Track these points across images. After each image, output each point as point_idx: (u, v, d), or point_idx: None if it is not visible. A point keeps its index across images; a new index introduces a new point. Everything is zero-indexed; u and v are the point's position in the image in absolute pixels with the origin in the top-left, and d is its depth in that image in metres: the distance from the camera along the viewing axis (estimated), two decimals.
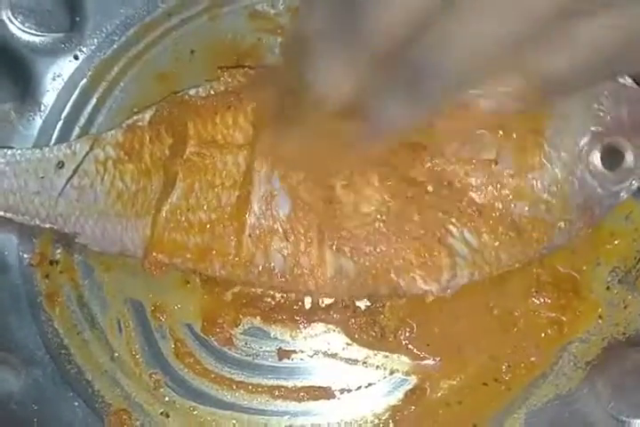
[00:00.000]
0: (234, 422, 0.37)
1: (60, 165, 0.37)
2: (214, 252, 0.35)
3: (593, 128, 0.33)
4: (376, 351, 0.37)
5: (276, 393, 0.37)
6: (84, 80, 0.40)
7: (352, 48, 0.25)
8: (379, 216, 0.34)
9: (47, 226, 0.36)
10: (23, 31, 0.39)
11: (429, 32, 0.24)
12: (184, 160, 0.36)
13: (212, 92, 0.37)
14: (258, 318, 0.38)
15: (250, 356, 0.38)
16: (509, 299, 0.37)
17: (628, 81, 0.33)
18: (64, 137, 0.39)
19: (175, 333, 0.38)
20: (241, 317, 0.38)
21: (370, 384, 0.37)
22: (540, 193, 0.34)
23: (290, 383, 0.37)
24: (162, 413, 0.37)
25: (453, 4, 0.24)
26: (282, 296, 0.37)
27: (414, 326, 0.37)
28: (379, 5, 0.24)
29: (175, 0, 0.39)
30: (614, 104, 0.33)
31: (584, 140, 0.34)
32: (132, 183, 0.36)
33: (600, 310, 0.37)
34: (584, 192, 0.34)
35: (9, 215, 0.37)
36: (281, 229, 0.35)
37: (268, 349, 0.38)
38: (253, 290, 0.37)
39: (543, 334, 0.37)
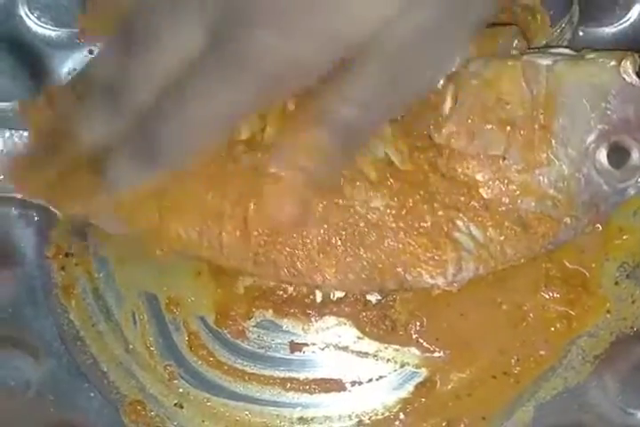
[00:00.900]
0: (246, 413, 0.38)
1: None
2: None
3: (600, 126, 0.33)
4: (387, 345, 0.38)
5: (288, 385, 0.38)
6: None
7: (113, 99, 0.27)
8: (387, 211, 0.34)
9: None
10: (39, 26, 0.39)
11: (163, 106, 0.26)
12: None
13: None
14: (270, 311, 0.38)
15: (262, 348, 0.38)
16: (519, 293, 0.37)
17: (636, 80, 0.33)
18: None
19: (189, 325, 0.38)
20: (253, 310, 0.38)
21: (380, 377, 0.38)
22: (546, 189, 0.34)
23: (301, 376, 0.38)
24: (176, 404, 0.38)
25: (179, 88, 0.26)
26: (294, 289, 0.38)
27: (424, 319, 0.37)
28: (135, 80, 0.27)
29: None
30: (621, 103, 0.33)
31: (591, 138, 0.34)
32: None
33: (608, 304, 0.37)
34: (590, 189, 0.34)
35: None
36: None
37: (280, 341, 0.38)
38: (266, 283, 0.38)
39: (552, 329, 0.37)
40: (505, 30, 0.36)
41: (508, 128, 0.34)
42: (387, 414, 0.38)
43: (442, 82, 0.34)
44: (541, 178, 0.34)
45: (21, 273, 0.39)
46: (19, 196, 0.36)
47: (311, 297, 0.38)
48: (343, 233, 0.34)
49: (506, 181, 0.34)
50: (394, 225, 0.34)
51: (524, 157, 0.34)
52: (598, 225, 0.36)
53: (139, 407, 0.38)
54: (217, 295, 0.38)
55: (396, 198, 0.34)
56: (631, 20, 0.39)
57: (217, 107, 0.26)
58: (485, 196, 0.34)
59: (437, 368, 0.37)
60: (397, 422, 0.37)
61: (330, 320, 0.38)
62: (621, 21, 0.39)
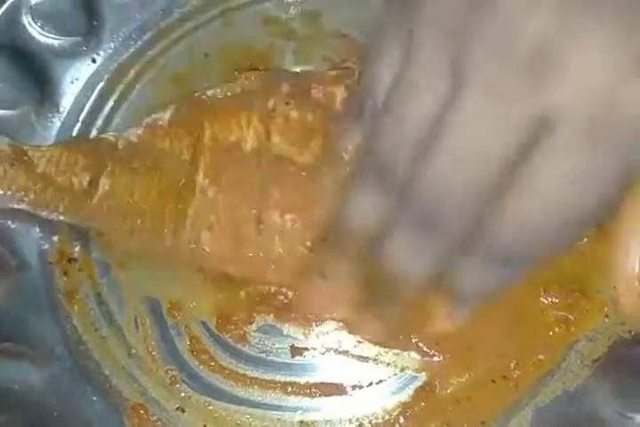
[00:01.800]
0: (248, 416, 0.38)
1: None
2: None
3: None
4: (387, 349, 0.38)
5: (289, 389, 0.38)
6: (102, 83, 0.41)
7: (431, 234, 0.25)
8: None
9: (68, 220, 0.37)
10: (42, 35, 0.39)
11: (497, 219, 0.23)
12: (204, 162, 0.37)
13: (229, 94, 0.38)
14: (271, 315, 0.38)
15: (263, 353, 0.38)
16: (517, 298, 0.37)
17: None
18: None
19: (190, 330, 0.39)
20: (254, 314, 0.38)
21: (381, 381, 0.38)
22: None
23: (302, 380, 0.38)
24: (177, 408, 0.38)
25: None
26: (294, 294, 0.38)
27: None
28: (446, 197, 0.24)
29: (190, 6, 0.40)
30: None
31: None
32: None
33: (606, 309, 0.37)
34: None
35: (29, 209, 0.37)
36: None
37: (280, 346, 0.38)
38: (266, 288, 0.38)
39: (551, 333, 0.37)
40: None
41: None
42: (387, 417, 0.38)
43: None
44: None
45: (25, 279, 0.39)
46: (19, 207, 0.36)
47: None
48: None
49: None
50: None
51: None
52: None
53: (141, 411, 0.38)
54: (218, 300, 0.38)
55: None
56: None
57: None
58: None
59: (437, 372, 0.38)
60: (397, 426, 0.38)
61: (330, 325, 0.38)
62: None
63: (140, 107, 0.40)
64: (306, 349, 0.38)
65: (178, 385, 0.38)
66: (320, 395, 0.38)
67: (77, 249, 0.39)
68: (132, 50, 0.40)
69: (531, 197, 0.23)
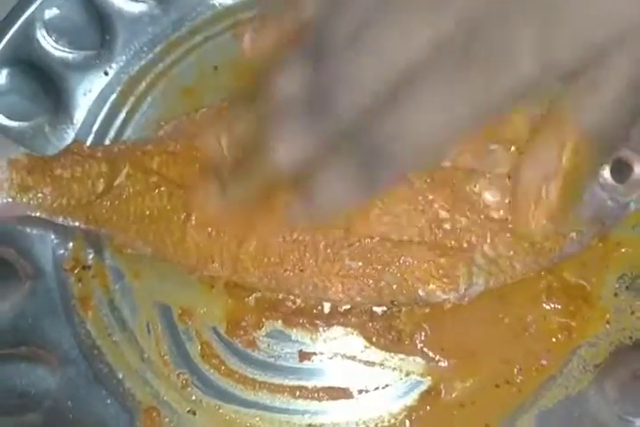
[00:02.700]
0: (257, 419, 0.39)
1: None
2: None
3: None
4: (393, 354, 0.39)
5: (297, 393, 0.39)
6: (114, 95, 0.42)
7: (317, 119, 0.26)
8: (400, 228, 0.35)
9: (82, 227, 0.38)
10: (56, 49, 0.40)
11: (383, 120, 0.25)
12: None
13: None
14: (279, 321, 0.39)
15: (272, 357, 0.39)
16: (521, 305, 0.38)
17: None
18: None
19: (201, 335, 0.39)
20: (263, 320, 0.39)
21: (387, 385, 0.39)
22: None
23: (310, 384, 0.39)
24: (189, 411, 0.39)
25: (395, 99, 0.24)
26: (302, 301, 0.39)
27: (429, 330, 0.38)
28: (344, 86, 0.25)
29: (200, 19, 0.41)
30: None
31: None
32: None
33: (608, 315, 0.38)
34: (595, 204, 0.35)
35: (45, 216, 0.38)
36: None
37: (289, 351, 0.39)
38: (275, 295, 0.39)
39: (553, 339, 0.38)
40: None
41: (512, 148, 0.34)
42: (392, 421, 0.38)
43: None
44: None
45: (41, 285, 0.40)
46: (36, 214, 0.37)
47: (319, 308, 0.39)
48: (355, 249, 0.35)
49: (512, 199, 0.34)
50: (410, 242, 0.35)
51: None
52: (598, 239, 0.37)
53: (153, 414, 0.39)
54: (228, 306, 0.39)
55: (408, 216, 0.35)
56: None
57: (449, 116, 0.24)
58: (494, 213, 0.35)
59: (442, 377, 0.38)
60: None
61: (337, 330, 0.39)
62: None
63: (152, 118, 0.41)
64: (314, 353, 0.39)
65: (189, 389, 0.39)
66: (327, 399, 0.39)
67: (92, 256, 0.41)
68: (143, 62, 0.41)
69: (415, 103, 0.24)
